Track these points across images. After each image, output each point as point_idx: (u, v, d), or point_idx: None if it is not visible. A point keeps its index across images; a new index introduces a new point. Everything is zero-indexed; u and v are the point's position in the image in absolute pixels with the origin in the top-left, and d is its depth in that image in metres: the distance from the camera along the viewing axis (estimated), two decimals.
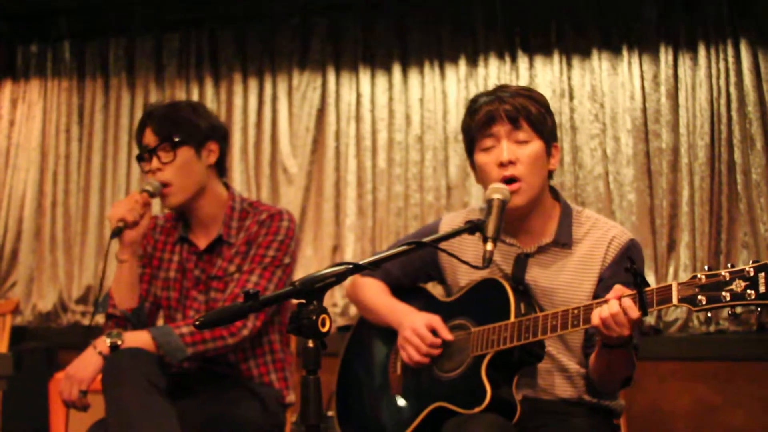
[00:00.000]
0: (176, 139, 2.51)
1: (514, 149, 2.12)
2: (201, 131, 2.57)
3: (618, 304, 1.85)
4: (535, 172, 2.13)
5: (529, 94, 2.19)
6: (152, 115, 2.57)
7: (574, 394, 2.18)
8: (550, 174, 2.23)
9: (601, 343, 1.98)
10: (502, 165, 2.11)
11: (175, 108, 2.60)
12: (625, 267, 1.79)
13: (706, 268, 1.78)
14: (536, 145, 2.14)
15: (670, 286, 1.80)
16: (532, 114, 2.14)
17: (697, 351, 4.26)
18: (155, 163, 2.52)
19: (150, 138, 2.54)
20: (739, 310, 1.76)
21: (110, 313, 2.53)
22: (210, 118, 2.63)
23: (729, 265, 1.75)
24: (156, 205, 2.58)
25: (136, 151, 4.95)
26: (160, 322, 2.75)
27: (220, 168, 2.65)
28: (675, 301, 1.79)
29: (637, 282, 1.79)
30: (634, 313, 1.83)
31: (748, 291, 1.70)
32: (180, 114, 2.56)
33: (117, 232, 2.46)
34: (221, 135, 2.64)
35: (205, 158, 2.58)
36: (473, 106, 2.21)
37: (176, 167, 2.51)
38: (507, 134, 2.13)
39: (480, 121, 2.15)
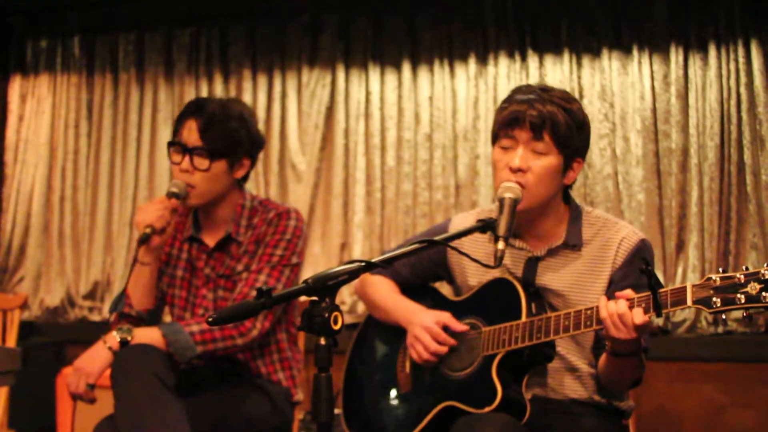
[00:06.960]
0: (217, 152, 2.48)
1: (528, 158, 2.08)
2: (243, 148, 2.54)
3: (626, 305, 1.85)
4: (543, 184, 2.09)
5: (566, 105, 2.10)
6: (203, 111, 2.50)
7: (584, 394, 2.18)
8: (567, 186, 2.20)
9: (611, 351, 1.97)
10: (511, 170, 2.09)
11: (227, 114, 2.51)
12: (640, 268, 1.79)
13: (720, 270, 1.77)
14: (552, 160, 2.09)
15: (685, 287, 1.80)
16: (559, 127, 2.07)
17: (704, 352, 4.24)
18: (186, 164, 2.48)
19: (192, 135, 2.49)
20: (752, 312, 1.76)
21: (125, 313, 2.52)
22: (254, 132, 2.59)
23: (744, 268, 1.75)
24: None
25: (144, 147, 5.13)
26: (167, 317, 2.75)
27: (244, 179, 2.64)
28: (689, 302, 1.79)
29: (651, 283, 1.79)
30: (639, 317, 1.83)
31: (763, 293, 1.70)
32: (230, 125, 2.50)
33: (145, 239, 2.43)
34: (257, 150, 2.62)
35: (236, 172, 2.56)
36: (508, 100, 2.16)
37: (207, 176, 2.49)
38: (526, 141, 2.09)
39: (505, 119, 2.12)
